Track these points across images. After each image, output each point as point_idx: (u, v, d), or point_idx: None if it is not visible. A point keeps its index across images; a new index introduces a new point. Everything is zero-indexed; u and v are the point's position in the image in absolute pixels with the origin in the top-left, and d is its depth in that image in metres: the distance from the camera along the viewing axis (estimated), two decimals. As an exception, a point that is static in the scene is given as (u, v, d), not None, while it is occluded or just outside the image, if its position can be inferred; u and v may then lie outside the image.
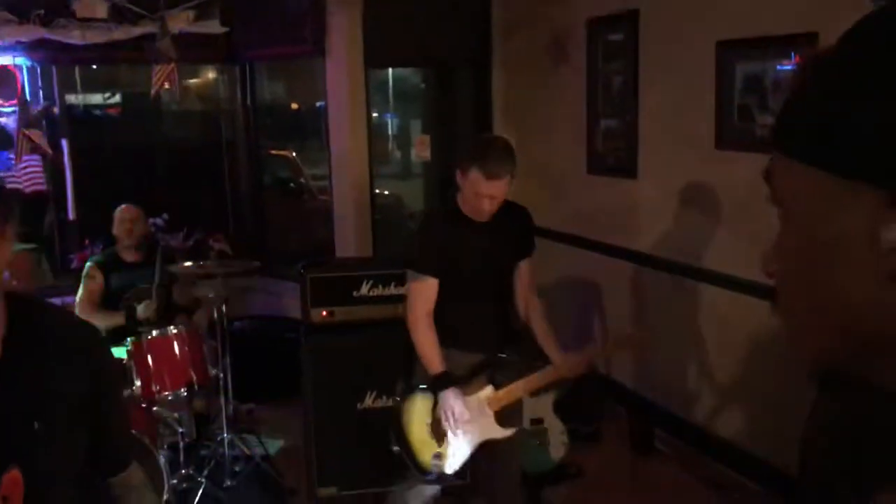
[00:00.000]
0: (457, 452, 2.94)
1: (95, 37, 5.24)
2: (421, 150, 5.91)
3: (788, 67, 3.64)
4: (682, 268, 4.32)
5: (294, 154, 7.55)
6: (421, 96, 7.39)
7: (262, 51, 5.99)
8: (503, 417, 3.00)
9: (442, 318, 2.97)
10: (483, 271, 3.01)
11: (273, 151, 7.14)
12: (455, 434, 2.90)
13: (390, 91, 7.64)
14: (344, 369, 3.86)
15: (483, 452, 3.01)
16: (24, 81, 5.39)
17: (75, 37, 5.19)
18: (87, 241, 5.47)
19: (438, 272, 2.95)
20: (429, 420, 2.97)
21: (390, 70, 7.07)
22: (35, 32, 5.11)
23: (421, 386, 3.02)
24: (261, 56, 6.13)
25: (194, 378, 3.94)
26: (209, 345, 4.23)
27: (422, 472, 2.96)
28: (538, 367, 3.07)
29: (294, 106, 8.26)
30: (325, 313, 4.04)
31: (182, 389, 3.91)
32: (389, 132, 8.23)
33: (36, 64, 5.41)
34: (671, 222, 4.40)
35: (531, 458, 3.99)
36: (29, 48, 5.23)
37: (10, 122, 5.27)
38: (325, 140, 5.83)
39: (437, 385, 2.91)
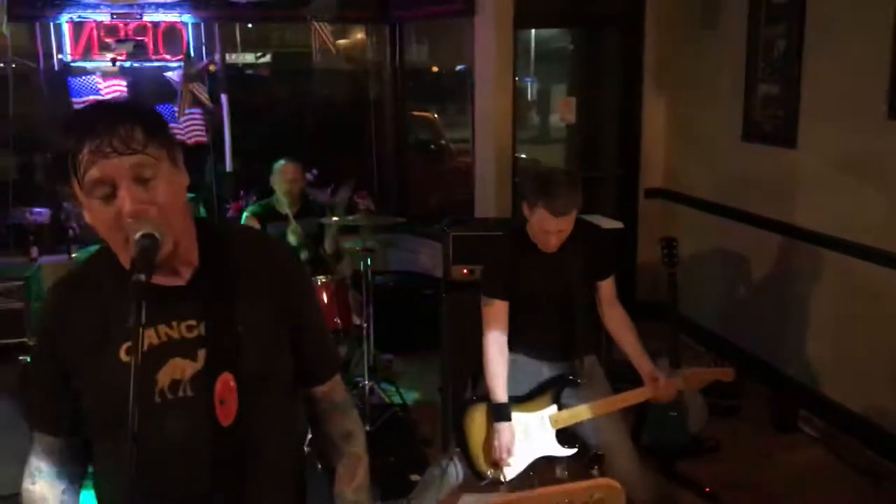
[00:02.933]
0: (514, 464, 2.98)
1: (256, -5, 5.45)
2: (565, 112, 5.84)
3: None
4: (839, 243, 4.10)
5: (436, 116, 7.63)
6: (563, 59, 7.28)
7: (412, 11, 6.06)
8: (566, 436, 3.01)
9: (512, 327, 3.04)
10: (549, 294, 3.04)
11: (415, 112, 7.24)
12: (504, 459, 2.94)
13: (532, 53, 7.56)
14: (481, 326, 3.89)
15: (592, 437, 3.02)
16: (188, 38, 5.68)
17: (237, -6, 5.42)
18: (241, 192, 5.74)
19: (506, 296, 3.01)
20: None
21: (533, 32, 6.99)
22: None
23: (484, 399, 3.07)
24: (411, 16, 6.19)
25: (340, 325, 4.09)
26: (353, 295, 4.37)
27: (478, 477, 3.01)
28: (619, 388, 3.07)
29: (434, 69, 8.33)
30: (465, 271, 4.10)
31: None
32: (529, 96, 8.17)
33: (200, 21, 5.67)
34: (831, 195, 4.18)
35: (667, 429, 3.93)
36: (193, 5, 5.49)
37: (175, 77, 5.57)
38: (470, 101, 5.85)
39: (495, 414, 2.96)
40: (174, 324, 1.45)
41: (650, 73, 5.74)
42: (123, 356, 1.43)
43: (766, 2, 4.59)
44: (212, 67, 5.82)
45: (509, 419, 2.94)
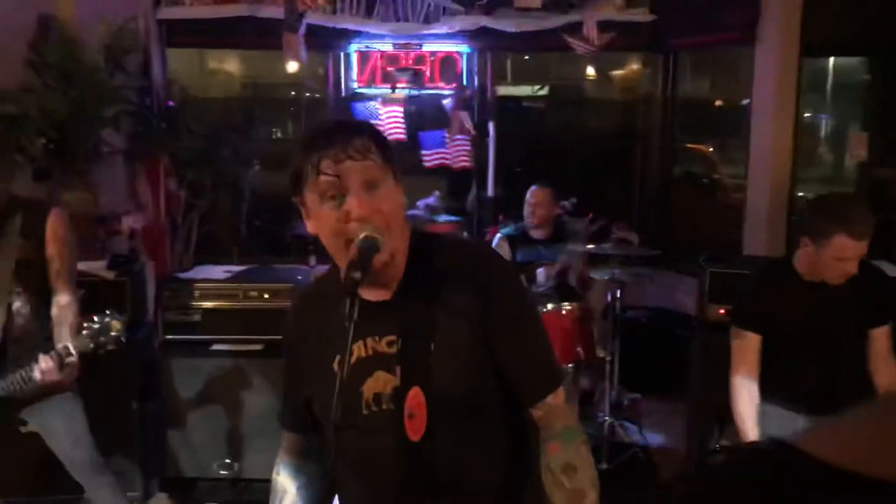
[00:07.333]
0: None
1: (526, 25, 5.56)
2: (857, 148, 5.29)
3: None
4: None
5: (711, 150, 7.29)
6: (864, 91, 6.61)
7: (686, 39, 5.84)
8: None
9: (767, 372, 2.80)
10: (810, 335, 2.76)
11: (689, 145, 6.97)
12: None
13: (828, 87, 6.94)
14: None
15: None
16: (463, 67, 5.92)
17: (509, 24, 5.56)
18: (501, 218, 5.84)
19: (760, 329, 2.78)
20: None
21: (831, 63, 6.42)
22: (477, 21, 5.58)
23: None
24: (685, 45, 5.97)
25: (582, 355, 4.01)
26: (601, 326, 4.26)
27: None
28: None
29: (717, 102, 7.96)
30: (722, 311, 3.83)
31: (569, 365, 4.00)
32: (822, 132, 7.52)
33: (473, 51, 5.89)
34: None
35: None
36: (469, 36, 5.72)
37: (448, 104, 5.83)
38: (746, 133, 5.51)
39: None
40: (377, 338, 1.51)
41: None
42: (336, 367, 1.50)
43: None
44: (483, 97, 5.98)
45: None
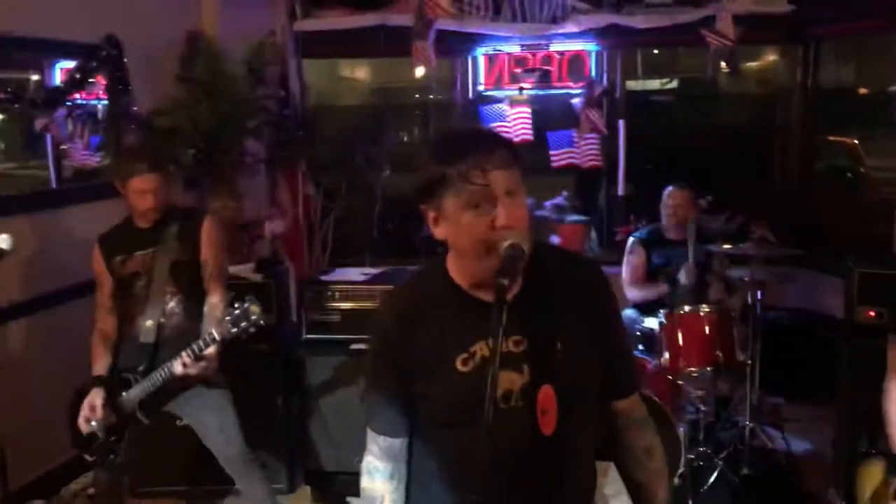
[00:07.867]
0: None
1: (658, 21, 5.45)
2: None
3: None
4: None
5: (856, 142, 6.90)
6: None
7: (829, 28, 5.57)
8: None
9: None
10: None
11: (831, 138, 6.63)
12: None
13: None
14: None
15: None
16: (591, 65, 5.86)
17: (639, 21, 5.46)
18: (632, 217, 5.75)
19: None
20: (893, 488, 2.64)
21: None
22: (606, 18, 5.52)
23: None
24: (828, 34, 5.69)
25: (720, 359, 3.89)
26: (740, 329, 4.12)
27: None
28: None
29: (863, 91, 7.54)
30: (872, 313, 3.65)
31: (707, 368, 3.89)
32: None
33: (602, 49, 5.82)
34: None
35: None
36: (598, 34, 5.66)
37: (577, 103, 5.79)
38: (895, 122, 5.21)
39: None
40: (503, 338, 1.51)
41: None
42: (460, 366, 1.53)
43: None
44: (612, 94, 5.91)
45: None
